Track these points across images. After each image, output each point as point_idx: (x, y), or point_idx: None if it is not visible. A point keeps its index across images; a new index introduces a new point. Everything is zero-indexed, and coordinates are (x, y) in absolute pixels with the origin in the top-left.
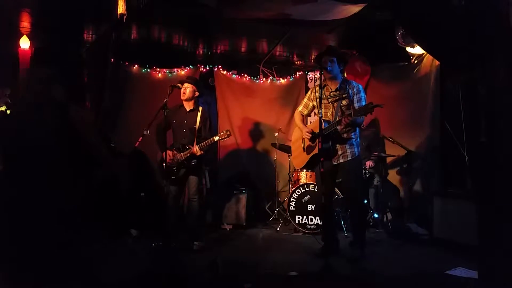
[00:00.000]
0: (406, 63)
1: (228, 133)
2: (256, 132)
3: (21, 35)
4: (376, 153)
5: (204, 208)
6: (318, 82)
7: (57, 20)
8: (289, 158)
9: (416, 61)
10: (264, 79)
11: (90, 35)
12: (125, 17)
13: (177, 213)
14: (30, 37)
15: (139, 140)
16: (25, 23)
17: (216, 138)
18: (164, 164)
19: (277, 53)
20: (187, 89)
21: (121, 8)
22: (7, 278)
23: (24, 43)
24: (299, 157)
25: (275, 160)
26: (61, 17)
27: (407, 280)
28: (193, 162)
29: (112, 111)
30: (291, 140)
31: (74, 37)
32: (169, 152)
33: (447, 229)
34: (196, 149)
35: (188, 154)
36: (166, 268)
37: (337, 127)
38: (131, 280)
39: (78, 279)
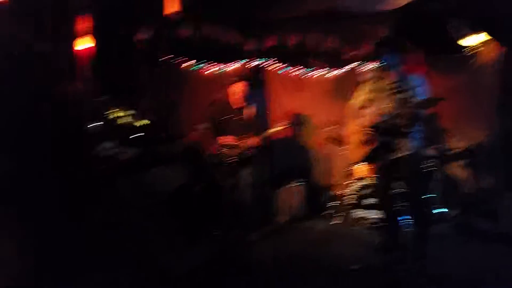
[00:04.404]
0: (462, 54)
1: (282, 125)
2: (309, 125)
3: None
4: (437, 147)
5: (259, 200)
6: (373, 74)
7: (112, 21)
8: (345, 151)
9: (471, 53)
10: (315, 72)
11: (143, 34)
12: (177, 14)
13: (233, 204)
14: (87, 38)
15: (193, 135)
16: (83, 25)
17: (271, 131)
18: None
19: (329, 45)
20: (240, 89)
21: (173, 6)
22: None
23: (83, 43)
24: (356, 150)
25: (330, 153)
26: (116, 18)
27: (473, 278)
28: (249, 152)
29: (164, 109)
30: (345, 133)
31: (128, 36)
32: (230, 138)
33: None
34: (250, 140)
35: (244, 145)
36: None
37: (397, 120)
38: (193, 269)
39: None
